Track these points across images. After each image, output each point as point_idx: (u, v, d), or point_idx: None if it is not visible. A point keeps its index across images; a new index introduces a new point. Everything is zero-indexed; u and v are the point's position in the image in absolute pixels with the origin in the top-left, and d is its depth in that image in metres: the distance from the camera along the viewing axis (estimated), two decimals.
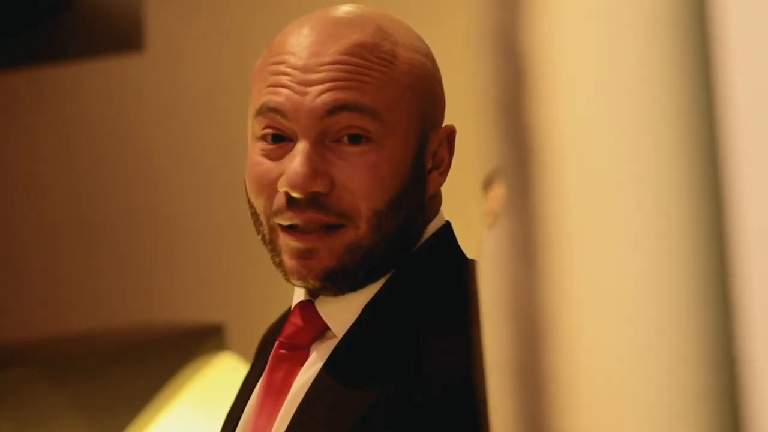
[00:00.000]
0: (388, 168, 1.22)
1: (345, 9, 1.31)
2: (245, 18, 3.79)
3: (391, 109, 1.22)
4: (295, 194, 1.22)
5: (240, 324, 3.74)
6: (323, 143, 1.23)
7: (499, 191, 2.86)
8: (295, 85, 1.24)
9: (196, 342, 3.64)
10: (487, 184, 2.87)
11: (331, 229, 1.24)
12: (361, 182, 1.21)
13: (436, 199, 1.32)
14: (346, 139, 1.22)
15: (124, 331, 3.78)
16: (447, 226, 1.34)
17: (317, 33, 1.27)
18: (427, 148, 1.27)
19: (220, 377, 3.42)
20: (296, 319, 1.35)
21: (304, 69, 1.25)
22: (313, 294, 1.34)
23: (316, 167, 1.22)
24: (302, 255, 1.25)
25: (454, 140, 1.30)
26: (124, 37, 3.99)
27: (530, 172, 0.55)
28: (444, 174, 1.30)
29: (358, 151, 1.22)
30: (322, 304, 1.31)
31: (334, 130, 1.22)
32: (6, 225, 4.28)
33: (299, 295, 1.37)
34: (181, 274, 3.90)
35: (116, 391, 3.25)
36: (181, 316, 3.81)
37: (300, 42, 1.27)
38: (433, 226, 1.31)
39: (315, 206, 1.23)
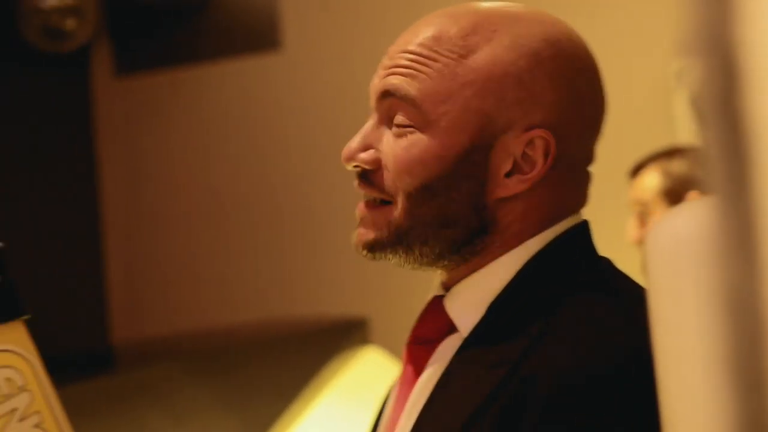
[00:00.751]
0: (419, 156, 1.24)
1: (473, 2, 1.31)
2: (380, 13, 3.81)
3: (438, 102, 1.23)
4: (346, 166, 1.32)
5: (384, 317, 3.76)
6: (383, 124, 1.30)
7: (645, 181, 2.83)
8: (379, 70, 1.32)
9: (341, 336, 3.67)
10: (634, 173, 2.85)
11: (383, 204, 1.29)
12: (393, 164, 1.26)
13: (542, 200, 1.27)
14: (393, 123, 1.27)
15: (268, 325, 3.83)
16: (579, 226, 1.30)
17: (417, 24, 1.31)
18: (497, 149, 1.24)
19: (365, 370, 3.44)
20: (426, 314, 1.35)
21: (389, 56, 1.32)
22: (446, 288, 1.34)
23: (366, 143, 1.30)
24: (359, 224, 1.33)
25: (552, 147, 1.23)
26: (261, 36, 4.04)
27: (746, 166, 0.55)
28: (527, 181, 1.24)
29: (397, 134, 1.26)
30: (450, 299, 1.31)
31: (386, 113, 1.29)
32: (148, 223, 4.38)
33: (435, 289, 1.37)
34: (325, 268, 3.93)
35: (262, 385, 3.29)
36: (326, 310, 3.85)
37: (404, 32, 1.32)
38: (562, 226, 1.28)
39: (365, 181, 1.30)
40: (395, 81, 1.27)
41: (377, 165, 1.28)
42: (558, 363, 1.18)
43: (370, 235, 1.31)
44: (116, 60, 4.40)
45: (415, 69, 1.26)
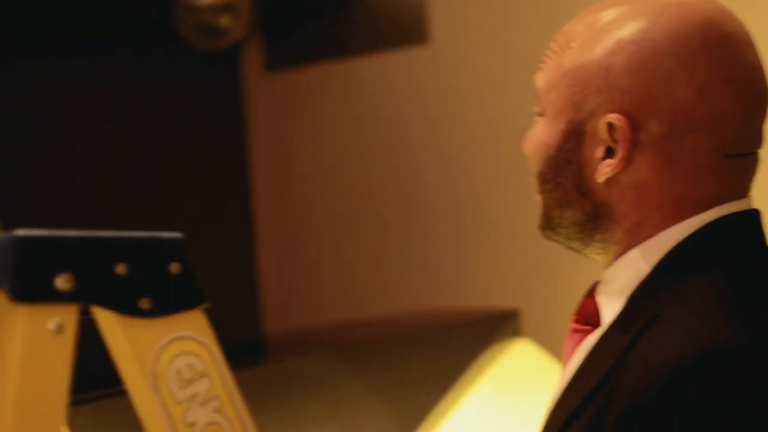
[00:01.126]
0: (535, 144, 1.35)
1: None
2: (529, 7, 3.78)
3: (549, 91, 1.31)
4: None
5: (534, 309, 3.74)
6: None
7: None
8: None
9: (492, 327, 3.66)
10: None
11: None
12: (526, 152, 1.38)
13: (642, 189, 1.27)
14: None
15: (420, 317, 3.85)
16: (734, 217, 1.27)
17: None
18: (587, 136, 1.28)
19: (516, 362, 3.43)
20: (584, 299, 1.39)
21: None
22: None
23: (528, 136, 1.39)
24: None
25: (626, 132, 1.24)
26: (409, 30, 4.06)
27: None
28: (614, 166, 1.26)
29: (535, 124, 1.37)
30: (599, 287, 1.36)
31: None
32: (299, 214, 4.44)
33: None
34: (475, 260, 3.93)
35: (415, 376, 3.30)
36: (477, 302, 3.84)
37: None
38: (709, 215, 1.25)
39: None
40: (537, 76, 1.36)
41: None
42: (646, 359, 1.16)
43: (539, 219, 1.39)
44: (267, 55, 4.47)
45: (546, 63, 1.34)
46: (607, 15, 1.28)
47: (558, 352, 3.57)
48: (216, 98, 4.48)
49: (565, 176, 1.31)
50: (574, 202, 1.32)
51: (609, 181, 1.27)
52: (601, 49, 1.26)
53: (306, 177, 4.41)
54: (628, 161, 1.25)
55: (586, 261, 3.43)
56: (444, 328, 3.62)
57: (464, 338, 3.54)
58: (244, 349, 3.60)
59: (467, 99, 3.94)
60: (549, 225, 1.38)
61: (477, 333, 3.59)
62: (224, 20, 3.08)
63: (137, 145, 4.20)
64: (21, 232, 1.07)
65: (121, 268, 1.10)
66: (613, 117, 1.24)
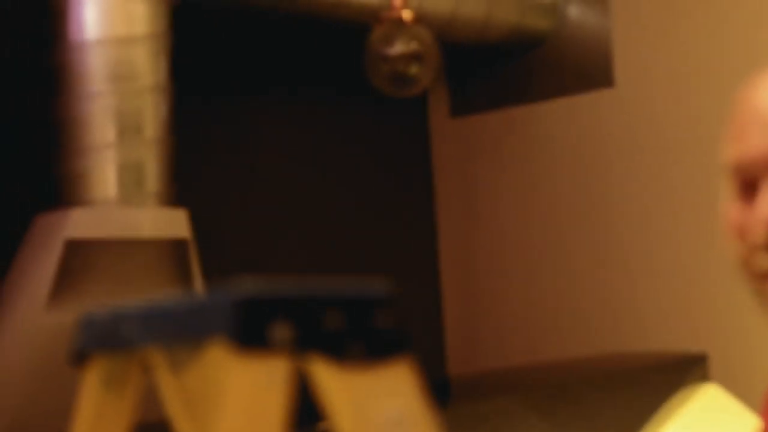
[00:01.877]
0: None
1: None
2: (714, 53, 3.74)
3: None
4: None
5: (724, 354, 3.67)
6: None
7: None
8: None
9: (680, 372, 3.61)
10: None
11: None
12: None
13: None
14: None
15: (605, 359, 3.82)
16: None
17: None
18: None
19: (704, 409, 3.37)
20: None
21: None
22: None
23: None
24: None
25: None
26: (594, 75, 4.06)
27: None
28: None
29: None
30: None
31: None
32: (483, 257, 4.46)
33: None
34: (663, 304, 3.88)
35: (600, 420, 3.28)
36: (664, 346, 3.79)
37: None
38: None
39: None
40: (734, 146, 1.26)
41: None
42: None
43: None
44: (452, 101, 4.54)
45: (747, 135, 1.26)
46: None
47: (748, 399, 3.50)
48: (403, 143, 4.56)
49: None
50: None
51: None
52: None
53: (490, 219, 4.44)
54: None
55: None
56: (631, 372, 3.59)
57: (651, 382, 3.50)
58: (428, 390, 3.63)
59: (652, 141, 3.91)
60: None
61: (664, 377, 3.55)
62: (414, 69, 3.14)
63: (326, 185, 4.30)
64: (238, 282, 1.13)
65: (334, 317, 1.15)
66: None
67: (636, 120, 3.96)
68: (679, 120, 3.84)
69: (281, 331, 1.06)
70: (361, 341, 1.11)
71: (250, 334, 1.06)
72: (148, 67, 3.14)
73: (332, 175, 4.32)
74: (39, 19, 3.18)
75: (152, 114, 3.14)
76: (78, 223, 3.01)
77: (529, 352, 4.23)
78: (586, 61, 4.11)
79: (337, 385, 1.07)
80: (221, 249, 3.82)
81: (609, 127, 4.04)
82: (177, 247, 3.12)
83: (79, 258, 2.99)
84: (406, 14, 3.18)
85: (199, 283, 3.15)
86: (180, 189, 3.25)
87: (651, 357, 3.69)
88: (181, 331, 1.24)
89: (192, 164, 3.69)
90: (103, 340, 1.34)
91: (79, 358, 1.37)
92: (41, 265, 3.00)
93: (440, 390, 3.80)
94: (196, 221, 3.18)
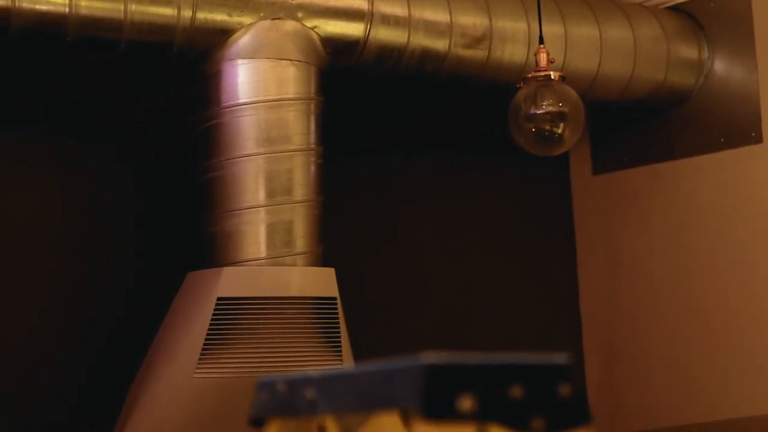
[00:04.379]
0: None
1: None
2: None
3: None
4: None
5: None
6: None
7: None
8: None
9: None
10: None
11: None
12: None
13: None
14: None
15: (753, 422, 3.74)
16: None
17: None
18: None
19: None
20: None
21: None
22: None
23: None
24: None
25: None
26: (742, 132, 4.01)
27: None
28: None
29: None
30: None
31: None
32: (624, 315, 4.41)
33: None
34: None
35: None
36: None
37: None
38: None
39: None
40: None
41: None
42: None
43: None
44: (594, 159, 4.52)
45: None
46: None
47: None
48: (546, 200, 4.56)
49: None
50: None
51: None
52: None
53: (631, 278, 4.39)
54: None
55: None
56: None
57: None
58: None
59: None
60: None
61: None
62: (559, 128, 3.16)
63: (470, 244, 4.32)
64: (428, 357, 1.15)
65: (516, 390, 1.16)
66: None
67: None
68: None
69: (467, 403, 1.09)
70: (544, 412, 1.13)
71: (437, 404, 1.08)
72: (298, 129, 3.21)
73: (475, 234, 4.34)
74: (193, 83, 3.29)
75: (302, 175, 3.21)
76: (229, 281, 3.08)
77: (674, 413, 4.16)
78: (732, 117, 4.06)
79: None
80: (366, 310, 3.86)
81: (757, 183, 3.97)
82: (325, 305, 3.17)
83: (230, 315, 3.06)
84: (552, 73, 3.20)
85: (346, 343, 3.18)
86: (328, 249, 3.30)
87: None
88: (360, 399, 1.27)
89: (339, 225, 3.75)
90: (282, 405, 1.38)
91: (258, 422, 1.42)
92: (194, 321, 3.08)
93: None
94: (342, 281, 3.23)
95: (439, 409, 1.14)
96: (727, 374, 4.04)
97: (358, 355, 3.20)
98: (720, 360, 4.07)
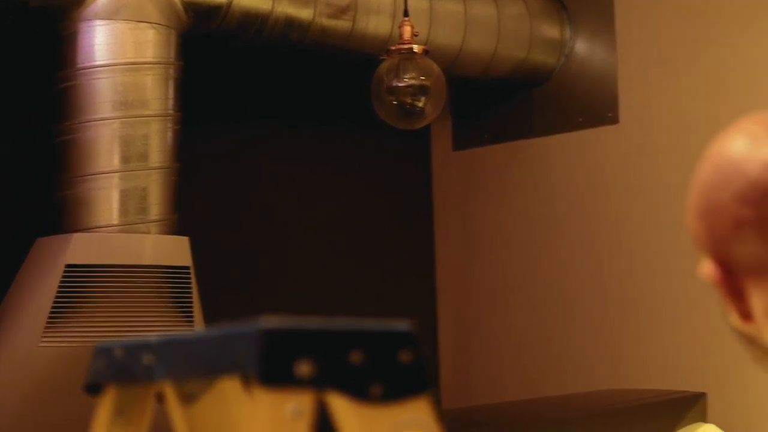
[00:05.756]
0: None
1: None
2: (719, 90, 3.76)
3: None
4: None
5: (721, 394, 3.67)
6: None
7: None
8: None
9: (678, 411, 3.60)
10: None
11: None
12: None
13: None
14: None
15: (602, 396, 3.81)
16: None
17: None
18: None
19: None
20: None
21: None
22: None
23: None
24: None
25: None
26: (599, 112, 4.07)
27: None
28: None
29: None
30: None
31: None
32: (480, 290, 4.46)
33: None
34: (663, 342, 3.88)
35: None
36: (663, 384, 3.79)
37: None
38: None
39: None
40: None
41: None
42: None
43: None
44: (455, 135, 4.55)
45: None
46: None
47: None
48: (405, 174, 4.57)
49: None
50: None
51: None
52: None
53: (489, 254, 4.44)
54: None
55: None
56: (630, 410, 3.58)
57: (650, 421, 3.50)
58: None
59: (654, 178, 3.92)
60: None
61: (663, 416, 3.55)
62: (420, 102, 3.15)
63: (327, 214, 4.31)
64: (264, 320, 1.13)
65: (356, 356, 1.15)
66: None
67: (638, 157, 3.97)
68: (681, 158, 3.85)
69: (304, 368, 1.07)
70: (383, 379, 1.11)
71: (274, 369, 1.06)
72: (156, 94, 3.14)
73: (333, 205, 4.32)
74: (48, 43, 3.19)
75: (158, 141, 3.14)
76: (79, 248, 3.00)
77: (525, 388, 4.22)
78: (591, 97, 4.12)
79: (356, 422, 1.07)
80: (220, 278, 3.82)
81: (611, 163, 4.05)
82: (178, 274, 3.11)
83: (79, 283, 2.98)
84: (415, 47, 3.20)
85: (198, 312, 3.14)
86: (184, 217, 3.25)
87: (650, 395, 3.68)
88: (199, 365, 1.23)
89: (196, 193, 3.70)
90: (119, 371, 1.34)
91: (95, 387, 1.37)
92: (40, 288, 2.99)
93: None
94: (197, 249, 3.18)
95: (276, 374, 1.12)
96: (580, 351, 4.11)
97: (211, 325, 3.15)
98: (569, 335, 4.14)
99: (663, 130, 3.91)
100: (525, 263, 4.30)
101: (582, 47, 4.18)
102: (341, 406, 1.15)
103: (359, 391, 1.11)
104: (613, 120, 4.03)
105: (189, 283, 3.11)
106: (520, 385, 4.26)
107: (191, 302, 3.11)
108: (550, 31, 4.20)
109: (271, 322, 1.07)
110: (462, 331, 4.51)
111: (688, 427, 3.48)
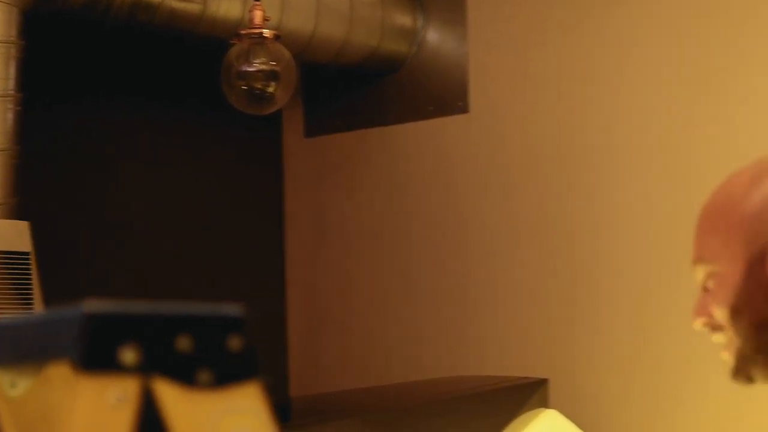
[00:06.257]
0: (726, 292, 1.57)
1: None
2: (566, 83, 3.83)
3: (722, 251, 1.60)
4: None
5: (563, 380, 3.74)
6: None
7: None
8: None
9: (521, 397, 3.66)
10: None
11: None
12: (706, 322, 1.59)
13: None
14: None
15: (448, 384, 3.85)
16: None
17: None
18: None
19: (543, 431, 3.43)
20: None
21: None
22: None
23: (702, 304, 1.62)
24: None
25: None
26: (449, 102, 4.11)
27: None
28: None
29: None
30: None
31: None
32: (330, 278, 4.46)
33: None
34: (506, 329, 3.94)
35: None
36: (507, 371, 3.85)
37: None
38: None
39: None
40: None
41: None
42: None
43: None
44: (307, 122, 4.54)
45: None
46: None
47: (585, 423, 3.58)
48: (256, 162, 4.54)
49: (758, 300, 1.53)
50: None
51: None
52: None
53: (338, 243, 4.44)
54: None
55: (617, 334, 3.46)
56: (473, 396, 3.63)
57: (493, 406, 3.54)
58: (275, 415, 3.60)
59: (503, 169, 3.98)
60: (750, 359, 1.54)
61: (506, 401, 3.60)
62: (270, 87, 3.13)
63: (176, 202, 4.25)
64: (88, 304, 1.10)
65: (183, 341, 1.13)
66: None
67: (487, 146, 4.02)
68: (529, 147, 3.91)
69: (129, 354, 1.04)
70: (211, 365, 1.10)
71: (97, 355, 1.03)
72: None
73: (181, 191, 4.27)
74: None
75: None
76: None
77: (372, 376, 4.24)
78: (442, 86, 4.15)
79: (183, 409, 1.05)
80: (63, 263, 3.74)
81: (461, 152, 4.09)
82: (17, 260, 3.03)
83: None
84: (266, 32, 3.17)
85: (38, 298, 3.06)
86: (25, 201, 3.16)
87: (492, 381, 3.74)
88: (25, 351, 1.20)
89: (39, 176, 3.61)
90: None
91: None
92: None
93: (281, 412, 3.77)
94: (38, 235, 3.10)
95: (99, 360, 1.09)
96: (423, 338, 4.15)
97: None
98: (417, 324, 4.18)
99: (513, 120, 3.97)
100: (374, 252, 4.32)
101: (434, 36, 4.22)
102: (168, 393, 1.12)
103: (186, 377, 1.09)
104: (464, 109, 4.07)
105: (29, 268, 3.03)
106: (368, 373, 4.28)
107: (31, 288, 3.03)
108: (403, 19, 4.22)
109: (95, 306, 1.04)
110: (311, 319, 4.51)
111: (529, 412, 3.54)
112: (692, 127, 3.55)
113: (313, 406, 4.00)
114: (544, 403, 3.70)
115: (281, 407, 4.11)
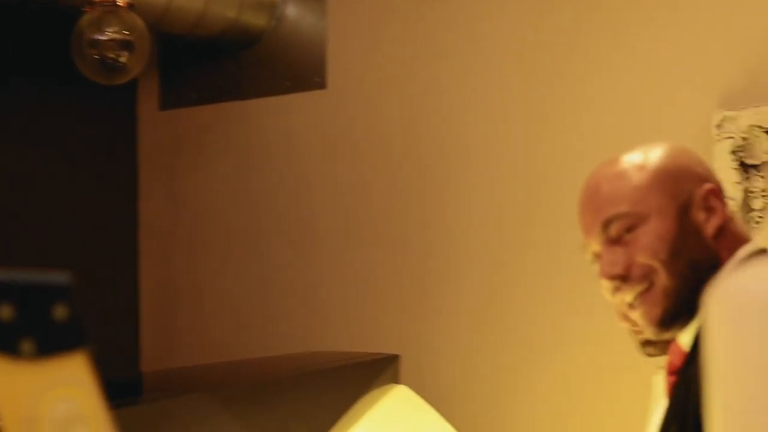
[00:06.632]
0: (652, 243, 1.85)
1: None
2: (425, 59, 3.86)
3: (642, 201, 1.89)
4: None
5: (414, 356, 3.78)
6: None
7: None
8: None
9: (373, 372, 3.69)
10: None
11: None
12: (629, 268, 1.90)
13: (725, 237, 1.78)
14: None
15: (300, 360, 3.86)
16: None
17: None
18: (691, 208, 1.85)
19: (394, 407, 3.46)
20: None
21: None
22: None
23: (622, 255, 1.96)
24: None
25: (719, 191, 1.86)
26: (307, 77, 4.10)
27: None
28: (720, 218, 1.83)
29: None
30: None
31: None
32: (185, 253, 4.42)
33: None
34: (358, 305, 3.96)
35: (292, 419, 3.31)
36: (359, 347, 3.87)
37: None
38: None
39: None
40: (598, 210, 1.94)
41: None
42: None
43: None
44: (162, 94, 4.47)
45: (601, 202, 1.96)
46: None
47: (434, 398, 3.62)
48: (110, 133, 4.46)
49: (687, 248, 1.78)
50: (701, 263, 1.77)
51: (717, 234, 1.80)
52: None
53: (192, 216, 4.40)
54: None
55: (465, 313, 3.48)
56: (324, 372, 3.64)
57: (344, 382, 3.56)
58: (121, 388, 3.56)
59: (357, 145, 3.99)
60: (678, 309, 1.77)
61: (357, 377, 3.62)
62: (123, 57, 3.08)
63: (28, 171, 4.15)
64: None
65: (6, 310, 1.10)
66: (708, 186, 1.83)
67: (344, 123, 4.02)
68: (385, 124, 3.93)
69: None
70: (35, 334, 1.07)
71: None
72: None
73: (33, 161, 4.17)
74: None
75: None
76: None
77: (226, 352, 4.22)
78: (300, 61, 4.14)
79: (6, 380, 1.02)
80: None
81: (318, 128, 4.09)
82: None
83: None
84: (119, 0, 3.12)
85: None
86: None
87: (344, 357, 3.76)
88: None
89: None
90: None
91: None
92: None
93: (132, 387, 3.73)
94: None
95: None
96: (279, 312, 4.15)
97: None
98: (272, 297, 4.17)
99: (369, 97, 3.98)
100: (228, 227, 4.30)
101: (293, 10, 4.19)
102: None
103: (9, 347, 1.07)
104: (321, 85, 4.07)
105: None
106: (222, 349, 4.26)
107: None
108: None
109: None
110: (165, 294, 4.46)
111: (380, 388, 3.56)
112: (547, 107, 3.60)
113: (165, 381, 3.96)
114: (395, 379, 3.74)
115: (132, 382, 4.06)
